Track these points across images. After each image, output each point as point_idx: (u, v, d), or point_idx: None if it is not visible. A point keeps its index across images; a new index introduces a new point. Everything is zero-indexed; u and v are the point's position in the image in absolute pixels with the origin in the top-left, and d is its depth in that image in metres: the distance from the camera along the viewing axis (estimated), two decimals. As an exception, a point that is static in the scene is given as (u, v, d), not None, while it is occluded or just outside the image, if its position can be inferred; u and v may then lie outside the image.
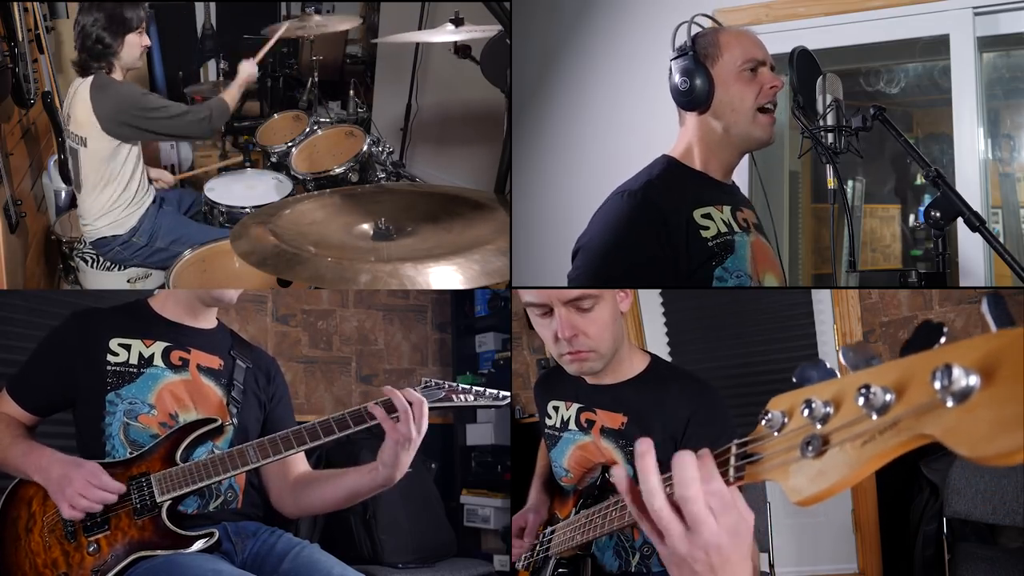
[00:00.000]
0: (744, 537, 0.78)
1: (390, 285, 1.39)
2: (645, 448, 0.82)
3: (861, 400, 0.63)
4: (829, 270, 2.69)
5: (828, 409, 0.68)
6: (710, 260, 1.44)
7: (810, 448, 0.68)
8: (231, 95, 2.70)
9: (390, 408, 1.48)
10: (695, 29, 1.54)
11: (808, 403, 0.69)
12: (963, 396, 0.55)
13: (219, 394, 1.62)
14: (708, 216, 1.47)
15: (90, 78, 2.39)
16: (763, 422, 0.77)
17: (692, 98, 1.50)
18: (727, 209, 1.52)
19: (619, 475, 0.87)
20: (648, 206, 1.44)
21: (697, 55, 1.50)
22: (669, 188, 1.48)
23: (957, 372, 0.55)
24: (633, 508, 0.84)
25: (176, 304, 1.67)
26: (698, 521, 0.76)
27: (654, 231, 1.42)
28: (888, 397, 0.62)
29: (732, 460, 0.81)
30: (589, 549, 1.52)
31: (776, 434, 0.75)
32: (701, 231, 1.44)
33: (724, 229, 1.48)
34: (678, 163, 1.54)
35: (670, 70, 1.54)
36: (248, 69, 2.82)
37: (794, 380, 0.74)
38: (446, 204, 1.79)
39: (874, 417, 0.63)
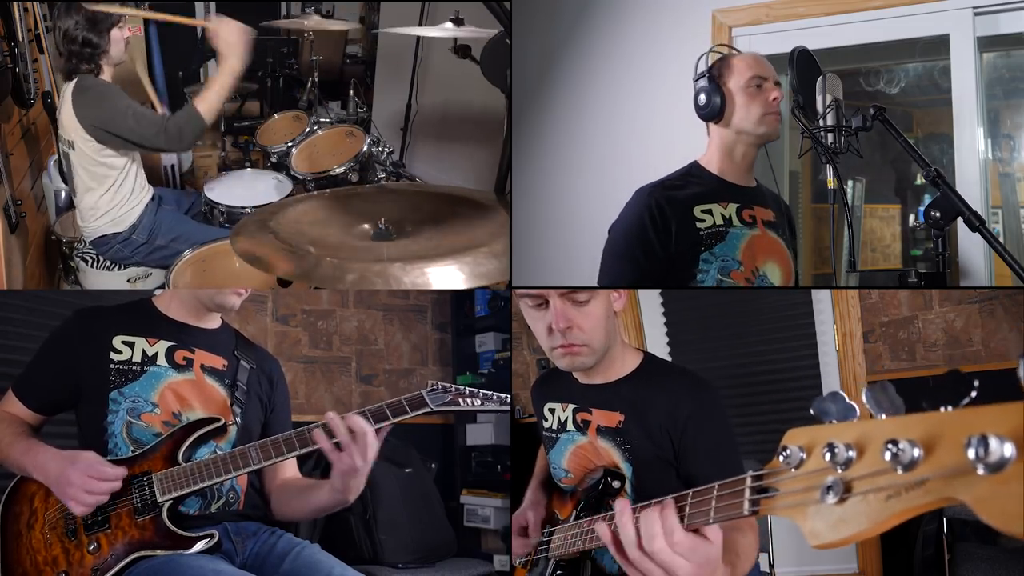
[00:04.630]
0: (714, 562, 0.93)
1: (375, 285, 1.39)
2: (621, 507, 0.97)
3: (888, 455, 0.62)
4: (829, 270, 2.69)
5: (851, 454, 0.68)
6: (699, 245, 1.69)
7: (831, 493, 0.68)
8: (207, 105, 2.32)
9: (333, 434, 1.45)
10: (713, 57, 1.84)
11: (831, 446, 0.68)
12: (997, 467, 0.55)
13: (223, 394, 1.62)
14: (708, 212, 1.72)
15: (74, 81, 2.37)
16: (780, 457, 0.76)
17: (709, 111, 1.79)
18: (732, 206, 1.74)
19: (602, 531, 1.00)
20: (651, 204, 1.70)
21: (712, 77, 1.80)
22: (677, 188, 1.75)
23: (994, 443, 0.55)
24: (618, 556, 0.97)
25: (181, 304, 1.67)
26: (672, 567, 0.91)
27: (654, 226, 1.68)
28: (916, 453, 0.61)
29: (747, 493, 0.83)
30: (589, 552, 1.52)
31: (794, 471, 0.75)
32: (697, 222, 1.70)
33: (720, 222, 1.71)
34: (699, 167, 1.82)
35: (694, 91, 1.84)
36: (231, 65, 2.32)
37: (811, 412, 0.74)
38: (446, 204, 1.79)
39: (899, 471, 0.62)
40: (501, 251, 1.47)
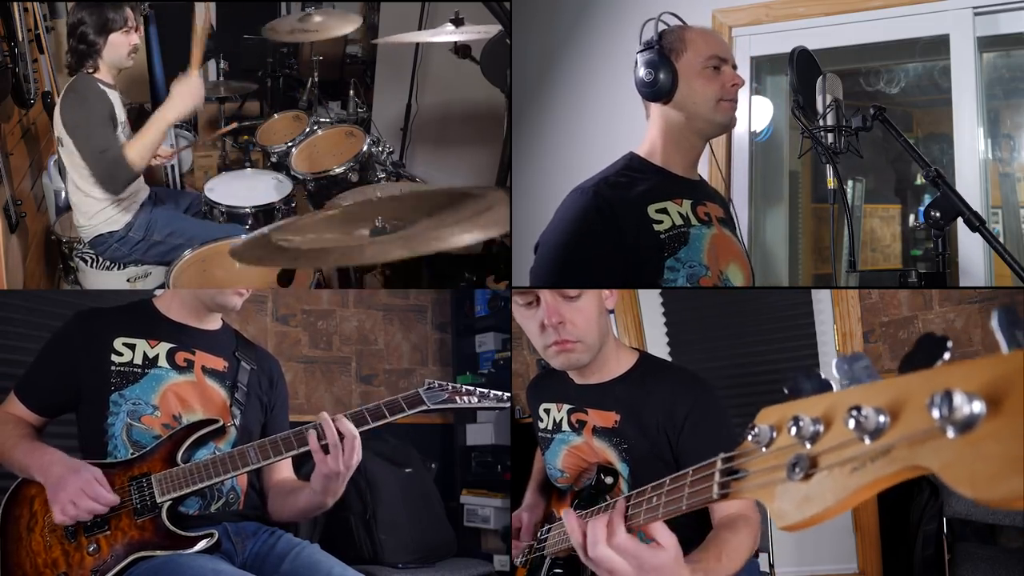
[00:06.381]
0: (665, 568, 0.99)
1: (363, 259, 1.36)
2: (566, 515, 1.06)
3: (852, 422, 0.57)
4: (829, 270, 2.69)
5: (817, 427, 0.64)
6: (661, 251, 1.49)
7: (797, 470, 0.64)
8: (136, 152, 2.31)
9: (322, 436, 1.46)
10: (662, 26, 1.62)
11: (796, 420, 0.65)
12: (966, 426, 0.49)
13: (223, 396, 1.62)
14: (663, 211, 1.51)
15: (73, 78, 2.38)
16: (750, 436, 0.73)
17: (655, 89, 1.56)
18: (687, 203, 1.55)
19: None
20: (599, 203, 1.49)
21: (662, 49, 1.57)
22: (623, 185, 1.53)
23: (959, 399, 0.49)
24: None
25: (181, 305, 1.67)
26: (616, 571, 0.99)
27: (603, 227, 1.47)
28: (882, 419, 0.56)
29: (717, 476, 0.80)
30: (588, 550, 1.52)
31: (764, 450, 0.72)
32: (654, 225, 1.49)
33: (679, 222, 1.52)
34: (640, 159, 1.60)
35: (636, 63, 1.59)
36: (164, 115, 2.36)
37: (785, 391, 0.70)
38: (448, 202, 1.78)
39: (866, 441, 0.58)
40: (501, 213, 1.42)
